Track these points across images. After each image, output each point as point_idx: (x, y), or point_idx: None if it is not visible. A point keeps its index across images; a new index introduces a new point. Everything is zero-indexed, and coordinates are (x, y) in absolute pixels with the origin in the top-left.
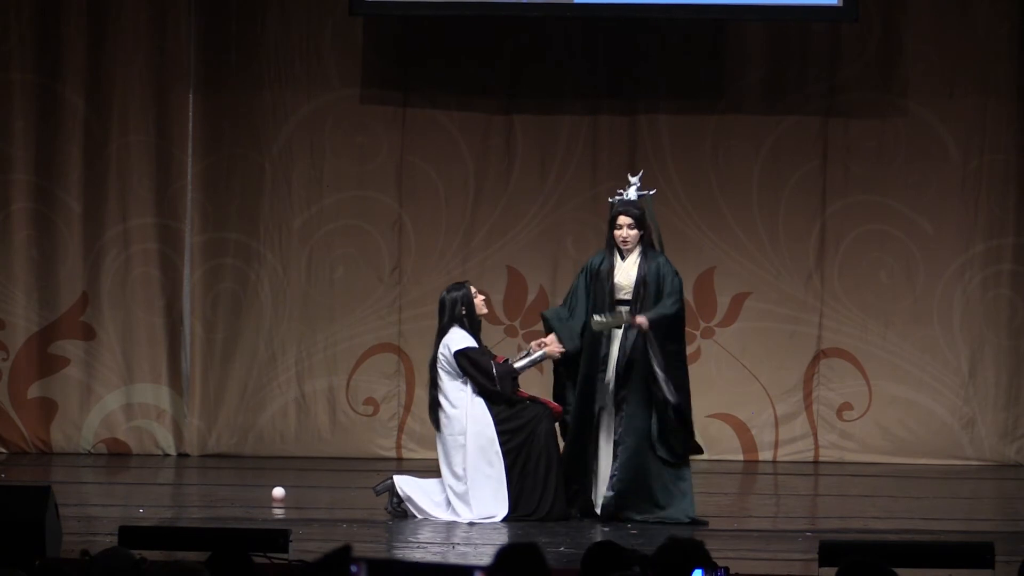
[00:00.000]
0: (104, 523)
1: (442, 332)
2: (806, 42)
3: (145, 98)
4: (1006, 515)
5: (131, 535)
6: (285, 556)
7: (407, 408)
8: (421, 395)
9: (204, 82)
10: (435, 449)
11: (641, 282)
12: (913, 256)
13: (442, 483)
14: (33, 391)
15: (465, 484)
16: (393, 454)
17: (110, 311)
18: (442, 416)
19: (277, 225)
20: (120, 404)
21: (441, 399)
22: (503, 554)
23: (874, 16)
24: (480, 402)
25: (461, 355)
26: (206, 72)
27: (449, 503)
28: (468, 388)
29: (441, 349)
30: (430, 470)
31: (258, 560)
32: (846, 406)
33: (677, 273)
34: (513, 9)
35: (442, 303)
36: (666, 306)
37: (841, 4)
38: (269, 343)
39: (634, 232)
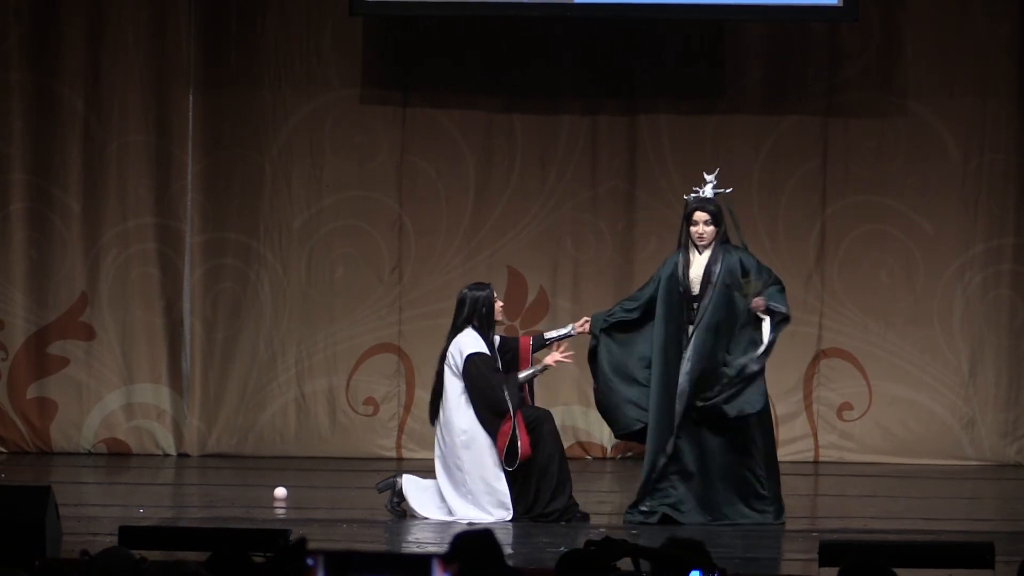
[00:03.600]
0: (104, 523)
1: (455, 330)
2: (806, 42)
3: (145, 98)
4: (1006, 515)
5: (131, 535)
6: None
7: (407, 408)
8: (421, 395)
9: (204, 82)
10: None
11: (708, 275)
12: (913, 256)
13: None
14: (33, 391)
15: (466, 485)
16: (393, 454)
17: (110, 311)
18: (443, 413)
19: (277, 225)
20: (120, 404)
21: (445, 395)
22: (458, 541)
23: (874, 16)
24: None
25: (471, 361)
26: (206, 72)
27: (448, 506)
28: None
29: (451, 348)
30: (430, 470)
31: (258, 560)
32: (846, 406)
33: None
34: (513, 9)
35: (462, 299)
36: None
37: (841, 4)
38: (269, 343)
39: (711, 228)
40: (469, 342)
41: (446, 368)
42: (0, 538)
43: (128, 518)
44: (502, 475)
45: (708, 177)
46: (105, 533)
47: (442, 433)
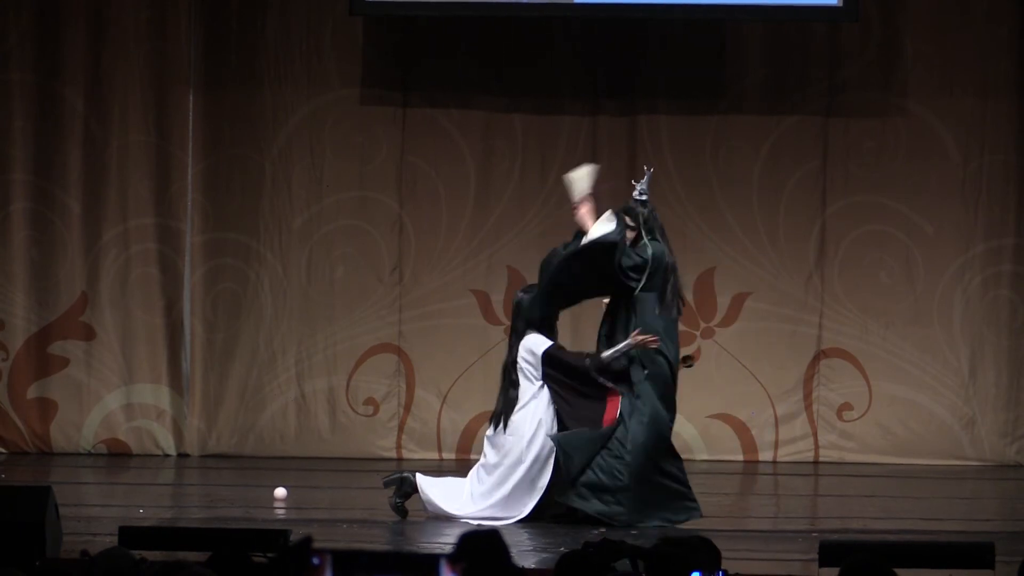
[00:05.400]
0: (104, 523)
1: (518, 336)
2: (806, 42)
3: (145, 98)
4: (1006, 515)
5: (131, 535)
6: None
7: (407, 408)
8: (421, 395)
9: (204, 82)
10: (435, 450)
11: None
12: (913, 256)
13: (464, 482)
14: (33, 391)
15: (508, 482)
16: (393, 454)
17: (110, 311)
18: (512, 418)
19: (277, 225)
20: (120, 404)
21: (518, 401)
22: (464, 541)
23: (874, 16)
24: (546, 404)
25: (548, 356)
26: (206, 72)
27: (466, 501)
28: (543, 392)
29: (522, 353)
30: (430, 470)
31: (258, 560)
32: (846, 406)
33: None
34: (513, 9)
35: (519, 304)
36: None
37: (841, 4)
38: (269, 343)
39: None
40: (538, 342)
41: (520, 377)
42: (0, 538)
43: (128, 518)
44: (546, 480)
45: (635, 184)
46: (105, 533)
47: (505, 435)
